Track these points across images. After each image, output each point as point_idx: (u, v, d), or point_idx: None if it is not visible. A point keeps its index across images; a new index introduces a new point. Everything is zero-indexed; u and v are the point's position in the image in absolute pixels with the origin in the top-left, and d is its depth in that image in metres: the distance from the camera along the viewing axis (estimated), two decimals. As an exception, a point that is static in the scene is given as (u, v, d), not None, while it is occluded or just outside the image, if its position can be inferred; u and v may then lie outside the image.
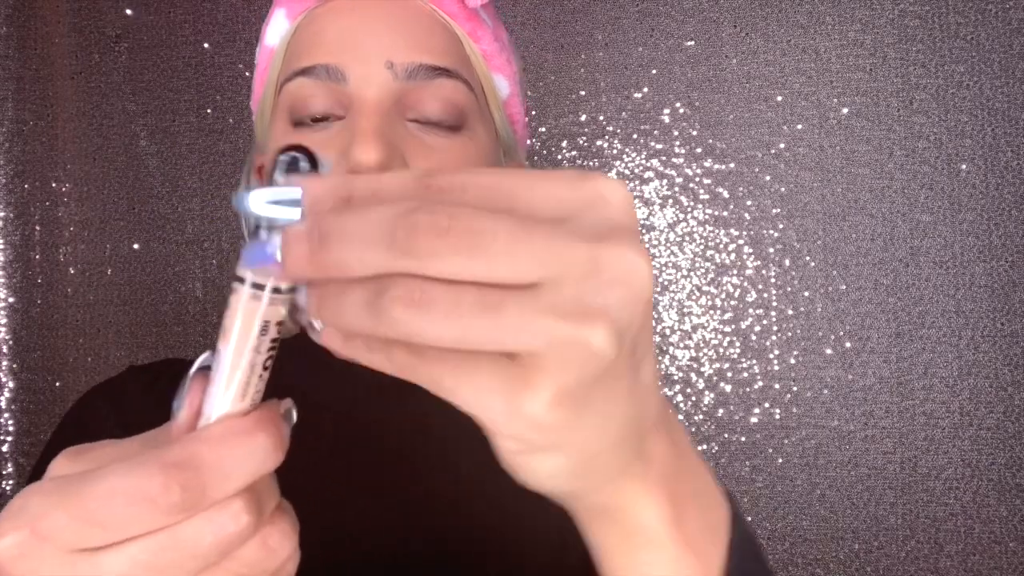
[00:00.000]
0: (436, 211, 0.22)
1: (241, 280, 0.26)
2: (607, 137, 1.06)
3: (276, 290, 0.26)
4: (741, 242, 1.05)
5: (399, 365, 0.25)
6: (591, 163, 1.07)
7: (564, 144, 1.06)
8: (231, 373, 0.26)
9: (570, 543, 0.53)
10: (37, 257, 1.10)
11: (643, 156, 1.06)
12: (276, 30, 0.57)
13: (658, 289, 1.05)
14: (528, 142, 1.06)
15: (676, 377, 1.04)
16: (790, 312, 1.04)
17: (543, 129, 1.07)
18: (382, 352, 0.25)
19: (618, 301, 0.24)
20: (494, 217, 0.23)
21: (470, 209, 0.23)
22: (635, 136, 1.06)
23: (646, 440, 0.30)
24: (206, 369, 0.27)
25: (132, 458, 0.26)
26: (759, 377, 1.04)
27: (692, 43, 1.05)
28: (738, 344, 1.05)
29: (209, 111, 1.09)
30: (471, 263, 0.22)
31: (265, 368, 0.27)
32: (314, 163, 0.27)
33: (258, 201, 0.25)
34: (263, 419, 0.27)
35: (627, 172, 1.06)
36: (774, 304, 1.04)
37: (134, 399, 0.58)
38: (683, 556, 0.32)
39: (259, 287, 0.26)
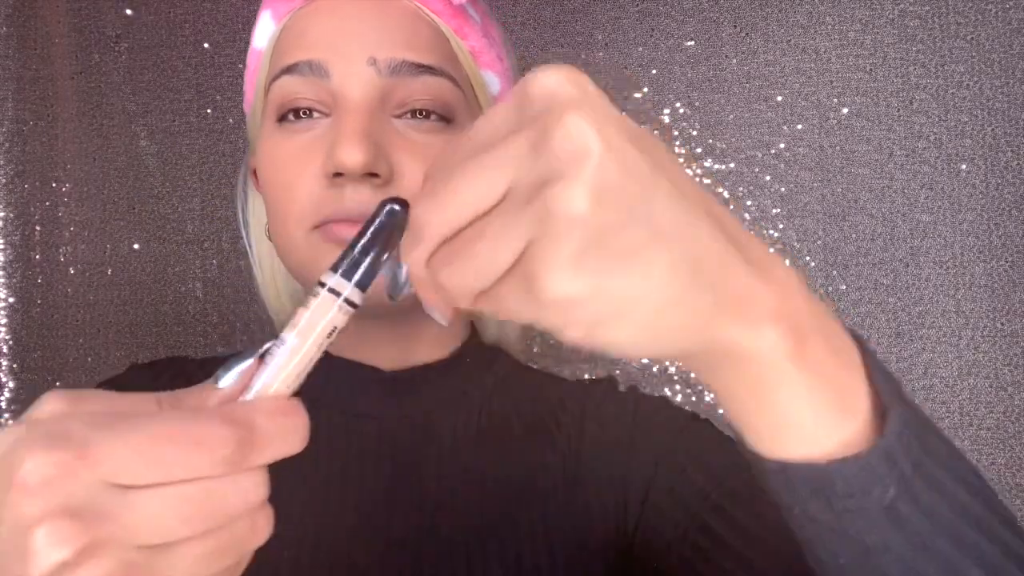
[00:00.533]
0: (423, 190, 0.29)
1: (323, 284, 0.30)
2: (607, 137, 1.06)
3: (349, 303, 0.31)
4: (741, 242, 1.05)
5: (464, 305, 0.29)
6: (591, 163, 1.07)
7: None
8: (290, 359, 0.30)
9: (581, 540, 0.54)
10: (37, 257, 1.10)
11: (643, 156, 1.06)
12: (263, 32, 0.57)
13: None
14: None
15: (676, 377, 1.04)
16: (790, 312, 1.04)
17: (543, 129, 1.07)
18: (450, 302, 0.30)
19: (567, 159, 0.26)
20: (447, 167, 0.28)
21: (433, 173, 0.29)
22: (635, 136, 1.06)
23: (731, 270, 0.28)
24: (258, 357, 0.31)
25: (173, 409, 0.28)
26: (759, 377, 1.04)
27: (692, 43, 1.05)
28: (738, 344, 1.05)
29: (209, 111, 1.09)
30: (447, 210, 0.28)
31: (312, 365, 0.31)
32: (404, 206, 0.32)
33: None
34: (302, 406, 0.29)
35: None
36: (774, 304, 1.04)
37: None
38: (818, 386, 0.30)
39: (336, 294, 0.30)
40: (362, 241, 0.30)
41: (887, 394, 0.31)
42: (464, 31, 0.55)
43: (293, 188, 0.51)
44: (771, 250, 0.31)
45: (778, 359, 0.29)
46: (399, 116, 0.51)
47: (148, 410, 0.29)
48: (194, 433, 0.26)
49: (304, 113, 0.52)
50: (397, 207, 0.31)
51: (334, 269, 0.30)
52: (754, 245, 0.30)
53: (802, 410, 0.30)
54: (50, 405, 0.29)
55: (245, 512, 0.27)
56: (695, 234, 0.27)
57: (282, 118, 0.52)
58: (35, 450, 0.25)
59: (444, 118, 0.52)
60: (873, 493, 0.30)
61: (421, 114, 0.51)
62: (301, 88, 0.51)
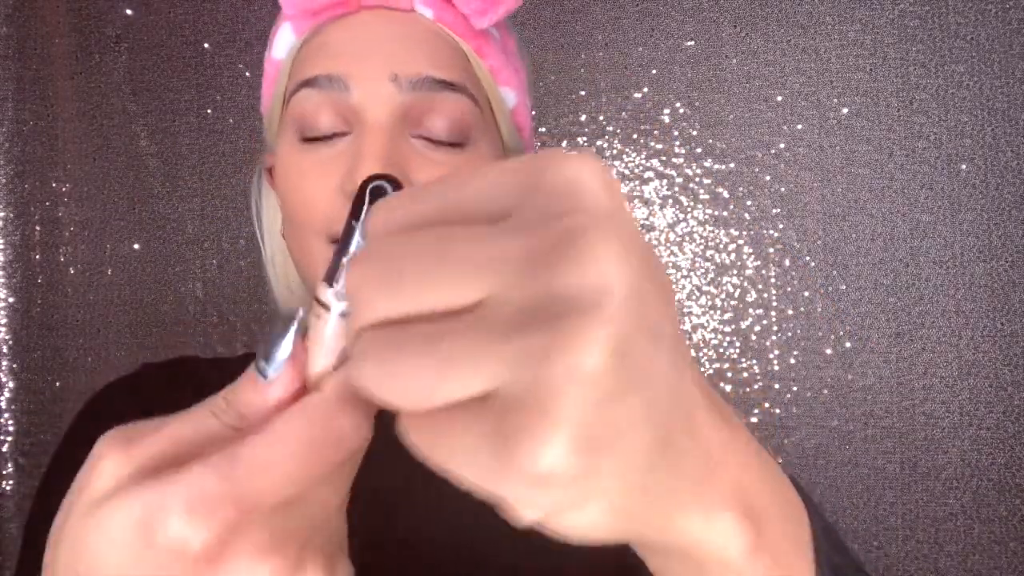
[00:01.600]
0: (368, 254, 0.21)
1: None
2: (607, 137, 1.06)
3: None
4: (741, 242, 1.05)
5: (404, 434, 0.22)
6: (591, 163, 1.07)
7: (564, 144, 1.06)
8: (333, 329, 0.26)
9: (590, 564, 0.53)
10: (37, 257, 1.10)
11: (643, 156, 1.06)
12: (283, 43, 0.57)
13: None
14: (535, 143, 1.06)
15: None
16: (790, 312, 1.04)
17: (543, 129, 1.07)
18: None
19: (583, 295, 0.19)
20: (411, 239, 0.21)
21: (387, 239, 0.21)
22: (635, 136, 1.06)
23: (698, 435, 0.24)
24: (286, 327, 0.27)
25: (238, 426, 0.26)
26: (759, 377, 1.04)
27: (692, 43, 1.05)
28: (738, 344, 1.05)
29: (209, 111, 1.09)
30: (397, 295, 0.20)
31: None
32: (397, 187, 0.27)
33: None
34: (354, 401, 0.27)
35: (627, 172, 1.06)
36: (774, 304, 1.04)
37: (152, 396, 0.58)
38: None
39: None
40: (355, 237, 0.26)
41: (828, 567, 0.30)
42: (484, 51, 0.55)
43: (311, 203, 0.51)
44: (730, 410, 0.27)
45: (736, 557, 0.26)
46: (417, 137, 0.52)
47: (217, 431, 0.26)
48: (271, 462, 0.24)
49: (326, 136, 0.52)
50: (388, 186, 0.26)
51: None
52: (722, 405, 0.27)
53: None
54: (111, 460, 0.26)
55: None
56: (686, 405, 0.23)
57: (305, 140, 0.52)
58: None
59: (462, 140, 0.52)
60: None
61: (439, 140, 0.52)
62: (320, 102, 0.51)
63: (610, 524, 0.22)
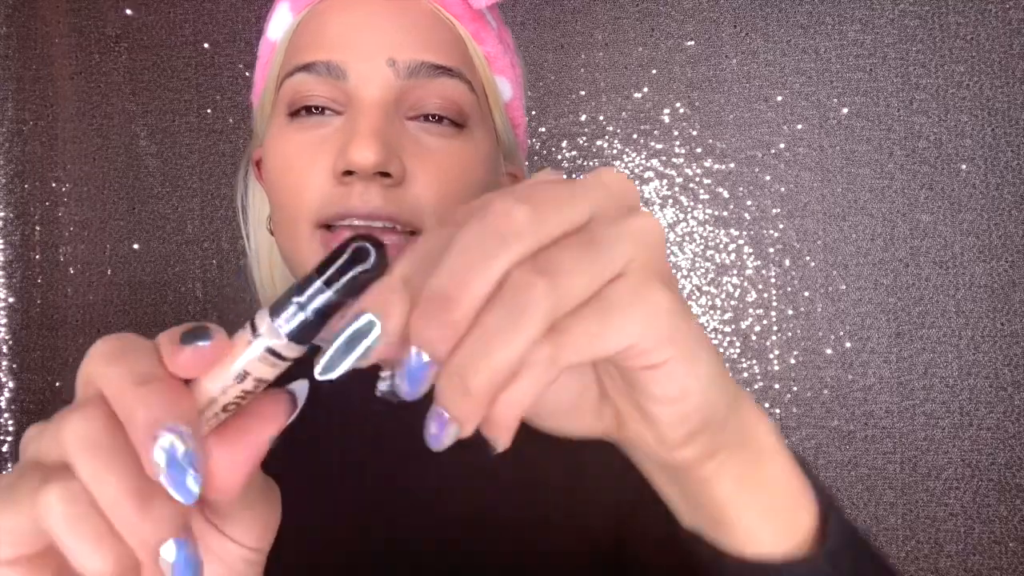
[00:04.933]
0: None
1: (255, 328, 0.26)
2: (607, 137, 1.06)
3: (275, 353, 0.26)
4: (741, 242, 1.05)
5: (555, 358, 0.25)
6: (591, 163, 1.07)
7: (564, 144, 1.06)
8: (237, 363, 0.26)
9: (583, 534, 0.54)
10: (37, 257, 1.10)
11: (643, 156, 1.06)
12: (279, 24, 0.56)
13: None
14: (528, 143, 1.06)
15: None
16: (790, 312, 1.04)
17: (543, 129, 1.07)
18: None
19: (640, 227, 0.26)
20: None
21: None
22: (635, 136, 1.06)
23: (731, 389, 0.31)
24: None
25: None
26: (759, 377, 1.04)
27: (692, 43, 1.05)
28: (738, 344, 1.05)
29: (209, 111, 1.09)
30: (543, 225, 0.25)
31: (225, 410, 0.27)
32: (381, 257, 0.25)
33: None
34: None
35: (627, 172, 1.06)
36: (774, 304, 1.04)
37: None
38: (793, 465, 0.33)
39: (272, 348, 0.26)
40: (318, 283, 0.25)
41: (825, 498, 0.34)
42: (481, 36, 0.55)
43: (301, 184, 0.50)
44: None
45: (775, 445, 0.32)
46: (412, 118, 0.51)
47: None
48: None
49: (316, 109, 0.51)
50: (371, 248, 0.24)
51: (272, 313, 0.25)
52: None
53: (772, 511, 0.32)
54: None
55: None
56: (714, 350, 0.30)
57: (294, 113, 0.52)
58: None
59: (457, 123, 0.52)
60: None
61: (434, 118, 0.51)
62: (316, 87, 0.51)
63: (717, 384, 0.28)
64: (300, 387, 0.28)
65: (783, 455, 0.32)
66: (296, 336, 0.25)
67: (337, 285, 0.24)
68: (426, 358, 0.23)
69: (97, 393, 0.26)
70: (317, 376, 0.24)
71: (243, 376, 0.26)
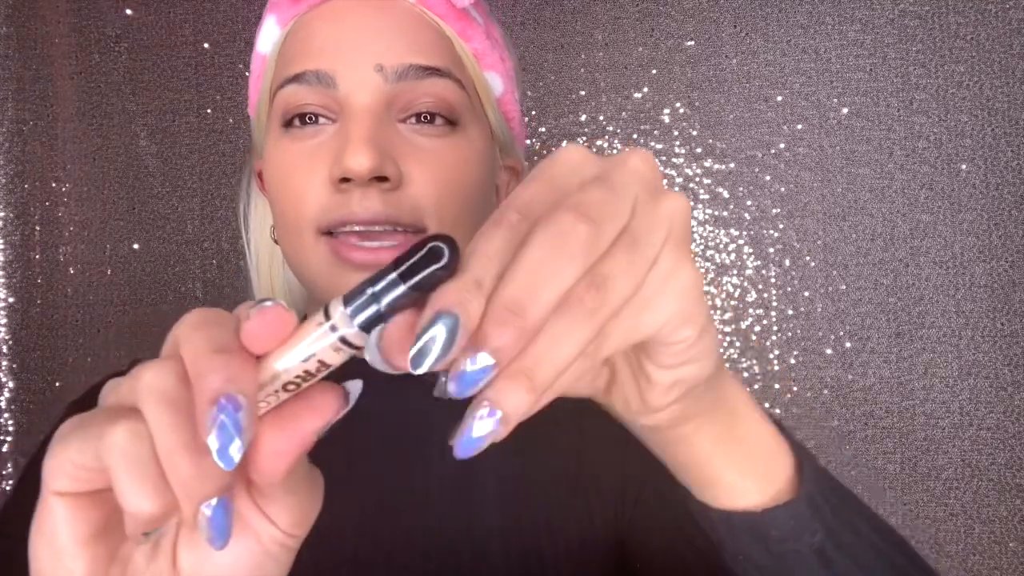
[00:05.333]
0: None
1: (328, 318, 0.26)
2: (607, 137, 1.06)
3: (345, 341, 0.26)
4: (741, 242, 1.05)
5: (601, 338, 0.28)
6: (591, 163, 1.07)
7: (564, 144, 1.06)
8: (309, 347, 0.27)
9: (583, 535, 0.54)
10: (37, 257, 1.10)
11: (643, 156, 1.06)
12: (267, 37, 0.57)
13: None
14: (527, 141, 1.06)
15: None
16: (790, 312, 1.04)
17: (543, 129, 1.07)
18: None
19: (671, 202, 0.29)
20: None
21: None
22: (635, 136, 1.06)
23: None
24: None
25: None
26: (759, 377, 1.04)
27: (692, 43, 1.05)
28: (738, 344, 1.05)
29: (209, 111, 1.09)
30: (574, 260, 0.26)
31: (286, 389, 0.28)
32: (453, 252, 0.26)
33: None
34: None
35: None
36: (774, 304, 1.04)
37: None
38: (765, 423, 0.37)
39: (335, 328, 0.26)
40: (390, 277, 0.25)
41: (799, 450, 0.38)
42: (467, 33, 0.55)
43: (301, 194, 0.51)
44: None
45: (748, 403, 0.36)
46: (404, 120, 0.51)
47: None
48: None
49: (310, 119, 0.52)
50: (445, 248, 0.25)
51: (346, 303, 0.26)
52: None
53: (751, 465, 0.36)
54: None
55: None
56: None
57: (288, 123, 0.52)
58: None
59: (449, 121, 0.52)
60: (803, 537, 0.36)
61: (426, 118, 0.51)
62: (308, 97, 0.51)
63: (713, 354, 0.31)
64: (355, 386, 0.29)
65: (756, 413, 0.36)
66: (365, 326, 0.26)
67: (412, 281, 0.25)
68: (491, 361, 0.24)
69: (177, 353, 0.28)
70: (412, 370, 0.25)
71: (308, 357, 0.27)
